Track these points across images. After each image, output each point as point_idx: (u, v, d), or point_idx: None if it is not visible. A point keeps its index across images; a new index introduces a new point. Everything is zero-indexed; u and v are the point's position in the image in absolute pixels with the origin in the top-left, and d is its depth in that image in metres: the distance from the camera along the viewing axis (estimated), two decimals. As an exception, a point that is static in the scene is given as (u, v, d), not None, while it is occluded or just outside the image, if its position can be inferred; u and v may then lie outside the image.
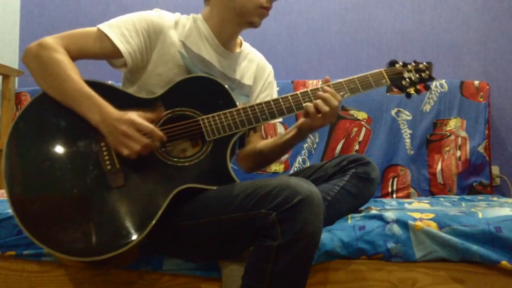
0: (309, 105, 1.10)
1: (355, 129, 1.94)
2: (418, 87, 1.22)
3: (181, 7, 1.21)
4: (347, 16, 2.19)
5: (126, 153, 0.99)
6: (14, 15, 2.32)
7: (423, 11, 2.15)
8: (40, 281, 1.18)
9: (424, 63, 1.23)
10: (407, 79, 1.20)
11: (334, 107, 1.09)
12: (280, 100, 1.12)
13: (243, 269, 0.96)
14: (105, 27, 1.10)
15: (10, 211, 1.21)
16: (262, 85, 1.34)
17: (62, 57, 1.05)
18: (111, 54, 1.12)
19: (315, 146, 1.94)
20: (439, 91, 1.94)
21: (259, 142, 1.34)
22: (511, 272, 1.03)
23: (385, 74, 1.19)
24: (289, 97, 1.12)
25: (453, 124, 1.92)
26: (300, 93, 1.13)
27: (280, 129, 1.95)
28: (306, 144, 1.94)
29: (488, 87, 1.95)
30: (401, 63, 1.22)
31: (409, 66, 1.22)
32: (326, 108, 1.09)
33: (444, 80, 1.96)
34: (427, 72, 1.22)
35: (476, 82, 1.95)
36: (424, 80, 1.22)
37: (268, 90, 1.35)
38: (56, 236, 0.94)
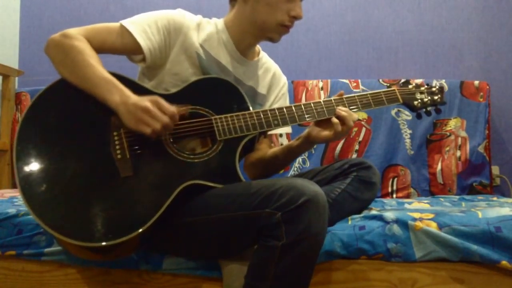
0: (336, 121, 1.12)
1: (355, 129, 1.94)
2: (429, 109, 1.25)
3: (179, 6, 1.21)
4: (347, 16, 2.19)
5: (146, 130, 0.98)
6: (14, 15, 2.32)
7: (423, 11, 2.15)
8: (40, 281, 1.18)
9: (437, 87, 1.27)
10: (419, 100, 1.23)
11: (349, 127, 1.12)
12: (293, 107, 1.14)
13: (244, 268, 0.96)
14: (128, 23, 1.12)
15: (10, 211, 1.22)
16: (276, 95, 1.35)
17: (84, 46, 1.07)
18: (132, 49, 1.13)
19: (315, 146, 1.94)
20: (439, 91, 1.94)
21: (267, 150, 1.34)
22: (511, 272, 1.03)
23: (398, 93, 1.21)
24: (302, 106, 1.15)
25: (453, 124, 1.92)
26: (313, 103, 1.15)
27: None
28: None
29: (488, 87, 1.95)
30: (414, 84, 1.25)
31: (422, 88, 1.25)
32: (339, 128, 1.12)
33: (444, 80, 1.96)
34: (439, 95, 1.25)
35: (476, 82, 1.95)
36: (436, 103, 1.26)
37: (282, 101, 1.36)
38: (62, 220, 0.95)
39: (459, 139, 1.90)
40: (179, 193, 1.00)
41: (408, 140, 1.92)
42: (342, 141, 1.93)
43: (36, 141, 1.02)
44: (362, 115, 1.95)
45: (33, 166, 0.99)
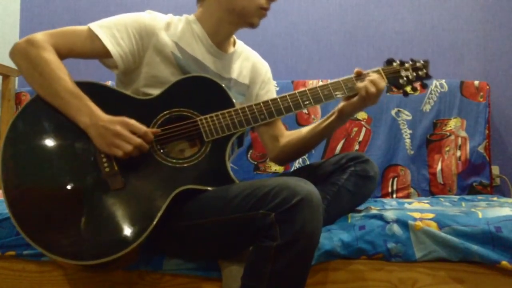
0: (360, 86, 1.12)
1: (355, 129, 1.94)
2: (416, 85, 1.22)
3: (179, 6, 1.21)
4: (347, 16, 2.18)
5: (119, 154, 0.98)
6: (14, 15, 2.32)
7: (423, 11, 2.15)
8: (40, 281, 1.18)
9: (421, 61, 1.23)
10: (405, 78, 1.20)
11: (381, 88, 1.12)
12: (279, 99, 1.12)
13: (243, 269, 0.96)
14: (96, 27, 1.09)
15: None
16: (260, 82, 1.33)
17: (51, 57, 1.04)
18: (101, 54, 1.11)
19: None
20: (439, 91, 1.94)
21: (292, 132, 1.33)
22: (511, 272, 1.03)
23: (382, 73, 1.19)
24: (287, 97, 1.13)
25: (453, 124, 1.92)
26: (298, 92, 1.14)
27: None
28: (306, 144, 1.94)
29: (488, 87, 1.95)
30: (398, 62, 1.22)
31: (406, 65, 1.22)
32: (373, 89, 1.11)
33: (444, 80, 1.96)
34: (425, 70, 1.22)
35: (476, 82, 1.95)
36: (422, 78, 1.22)
37: (268, 86, 1.34)
38: (54, 239, 0.94)
39: (459, 139, 1.90)
40: (173, 199, 0.99)
41: (408, 140, 1.92)
42: (342, 141, 1.93)
43: (21, 159, 1.00)
44: (362, 115, 1.95)
45: (21, 187, 0.98)
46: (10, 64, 2.16)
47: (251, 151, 1.94)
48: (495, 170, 1.99)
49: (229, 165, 1.07)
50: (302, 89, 1.15)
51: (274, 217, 0.89)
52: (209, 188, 1.03)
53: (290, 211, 0.88)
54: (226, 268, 1.04)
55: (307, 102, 1.13)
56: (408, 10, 2.15)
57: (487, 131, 1.90)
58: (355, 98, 1.14)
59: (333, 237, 1.09)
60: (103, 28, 1.09)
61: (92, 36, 1.09)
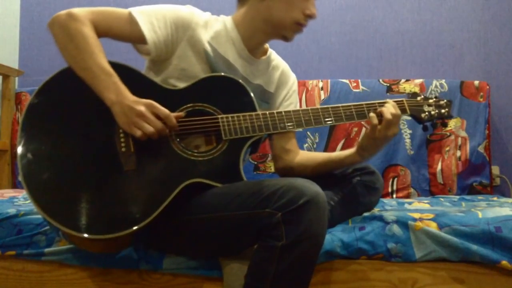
0: (372, 115, 1.11)
1: (355, 129, 1.94)
2: (437, 122, 1.23)
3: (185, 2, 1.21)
4: (347, 16, 2.19)
5: (138, 134, 0.99)
6: (14, 15, 2.32)
7: (423, 11, 2.15)
8: (40, 281, 1.18)
9: (445, 101, 1.24)
10: (427, 113, 1.21)
11: (397, 115, 1.10)
12: (301, 112, 1.13)
13: (244, 267, 0.96)
14: (136, 12, 1.11)
15: (10, 211, 1.22)
16: (285, 93, 1.33)
17: (90, 32, 1.05)
18: (137, 39, 1.12)
19: (315, 146, 1.94)
20: (439, 91, 1.94)
21: (306, 154, 1.31)
22: (511, 272, 1.03)
23: (406, 105, 1.19)
24: (309, 111, 1.14)
25: (453, 124, 1.92)
26: (321, 109, 1.15)
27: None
28: (306, 144, 1.94)
29: (488, 87, 1.95)
30: (422, 96, 1.23)
31: (430, 101, 1.23)
32: (389, 116, 1.09)
33: (444, 80, 1.96)
34: (447, 109, 1.23)
35: (476, 82, 1.96)
36: (443, 117, 1.23)
37: (291, 99, 1.34)
38: (64, 212, 0.95)
39: (459, 139, 1.91)
40: (181, 191, 1.00)
41: (408, 140, 1.92)
42: (342, 141, 1.93)
43: (39, 131, 1.01)
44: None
45: (36, 155, 0.98)
46: (10, 64, 2.18)
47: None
48: (495, 170, 1.99)
49: (242, 167, 1.08)
50: (325, 106, 1.16)
51: (281, 216, 0.89)
52: (219, 185, 1.03)
53: (297, 212, 0.88)
54: (227, 266, 1.04)
55: (329, 120, 1.14)
56: (408, 10, 2.15)
57: (487, 131, 1.90)
58: (372, 128, 1.12)
59: (333, 237, 1.09)
60: (143, 14, 1.11)
61: (131, 20, 1.10)
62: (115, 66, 1.05)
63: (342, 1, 2.19)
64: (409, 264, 1.07)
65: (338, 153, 1.23)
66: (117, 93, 1.01)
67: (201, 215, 1.01)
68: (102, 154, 1.01)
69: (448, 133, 1.91)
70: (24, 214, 1.21)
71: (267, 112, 1.12)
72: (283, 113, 1.13)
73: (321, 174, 1.25)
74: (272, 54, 1.33)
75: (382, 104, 1.14)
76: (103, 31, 1.09)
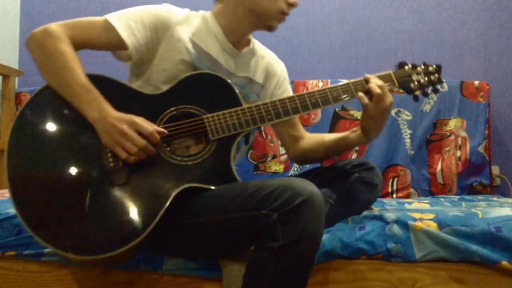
0: (361, 94, 1.10)
1: (355, 129, 1.94)
2: (427, 90, 1.20)
3: (182, 3, 1.21)
4: (347, 16, 2.19)
5: (122, 155, 0.98)
6: (14, 15, 2.32)
7: (423, 11, 2.15)
8: (40, 281, 1.18)
9: (434, 66, 1.21)
10: (416, 82, 1.18)
11: (384, 85, 1.09)
12: (287, 100, 1.11)
13: (243, 269, 0.96)
14: (112, 18, 1.09)
15: (10, 211, 1.22)
16: (276, 82, 1.32)
17: (66, 48, 1.04)
18: (116, 45, 1.11)
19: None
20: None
21: (313, 136, 1.31)
22: (511, 272, 1.03)
23: (393, 77, 1.17)
24: (296, 98, 1.12)
25: (453, 124, 1.92)
26: (307, 93, 1.12)
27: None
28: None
29: (488, 87, 1.95)
30: (410, 66, 1.20)
31: (418, 69, 1.20)
32: (378, 90, 1.08)
33: (444, 80, 1.96)
34: (437, 75, 1.20)
35: (476, 82, 1.95)
36: (433, 83, 1.20)
37: (284, 86, 1.33)
38: (57, 233, 0.94)
39: (459, 139, 1.90)
40: (175, 197, 0.99)
41: (408, 140, 1.92)
42: (342, 141, 1.92)
43: (27, 152, 1.00)
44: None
45: (26, 179, 0.98)
46: (10, 64, 2.18)
47: (251, 151, 1.94)
48: (495, 170, 1.99)
49: (234, 165, 1.07)
50: (311, 90, 1.14)
51: (277, 217, 0.89)
52: (213, 187, 1.03)
53: (293, 212, 0.88)
54: (227, 267, 1.04)
55: (315, 104, 1.12)
56: (408, 10, 2.15)
57: (487, 131, 1.90)
58: (364, 108, 1.11)
59: (333, 237, 1.09)
60: (119, 19, 1.09)
61: (108, 27, 1.09)
62: (93, 78, 1.04)
63: (342, 1, 2.19)
64: (409, 264, 1.07)
65: (345, 137, 1.22)
66: (99, 109, 1.00)
67: (199, 218, 1.00)
68: (92, 171, 1.00)
69: (448, 133, 1.91)
70: (24, 214, 1.21)
71: (253, 106, 1.10)
72: (269, 104, 1.10)
73: (331, 156, 1.29)
74: (256, 44, 1.31)
75: (367, 80, 1.12)
76: (81, 43, 1.08)
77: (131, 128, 0.98)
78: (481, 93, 1.94)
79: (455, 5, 2.13)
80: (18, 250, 1.17)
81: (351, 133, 1.22)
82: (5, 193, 1.68)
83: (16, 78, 2.19)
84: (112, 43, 1.10)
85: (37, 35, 1.05)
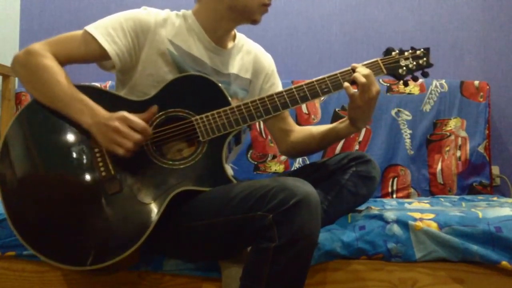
0: (346, 85, 1.10)
1: (355, 129, 1.94)
2: (416, 75, 1.19)
3: (179, 4, 1.21)
4: (347, 16, 2.18)
5: (119, 152, 0.98)
6: (14, 15, 2.32)
7: (423, 11, 2.15)
8: (40, 281, 1.18)
9: (422, 49, 1.19)
10: (404, 68, 1.17)
11: (369, 74, 1.09)
12: (275, 95, 1.11)
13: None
14: (91, 28, 1.09)
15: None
16: (264, 76, 1.31)
17: (50, 63, 1.05)
18: (99, 56, 1.10)
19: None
20: (439, 91, 1.94)
21: (303, 129, 1.31)
22: (511, 272, 1.03)
23: (381, 64, 1.16)
24: (284, 93, 1.11)
25: (453, 124, 1.92)
26: (295, 87, 1.12)
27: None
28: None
29: (488, 87, 1.95)
30: (397, 51, 1.18)
31: (406, 53, 1.18)
32: (363, 80, 1.08)
33: (444, 80, 1.96)
34: (425, 58, 1.18)
35: (476, 82, 1.95)
36: (422, 67, 1.18)
37: (272, 80, 1.32)
38: (52, 245, 0.94)
39: (459, 139, 1.90)
40: (170, 201, 0.99)
41: (408, 140, 1.92)
42: (342, 142, 1.92)
43: (17, 166, 1.00)
44: (362, 115, 1.95)
45: (18, 190, 0.98)
46: (10, 64, 2.17)
47: (251, 151, 1.94)
48: (495, 170, 1.99)
49: (226, 165, 1.07)
50: (299, 84, 1.13)
51: (272, 218, 0.88)
52: (207, 189, 1.02)
53: (288, 212, 0.88)
54: (226, 268, 1.04)
55: (304, 97, 1.11)
56: (408, 10, 2.15)
57: (487, 131, 1.90)
58: (350, 98, 1.11)
59: (333, 237, 1.09)
60: (98, 29, 1.09)
61: (88, 38, 1.08)
62: (80, 88, 1.05)
63: (342, 1, 2.19)
64: (409, 264, 1.07)
65: (333, 128, 1.22)
66: (92, 114, 1.01)
67: (195, 222, 1.00)
68: (85, 182, 1.00)
69: (448, 133, 1.91)
70: (24, 214, 1.21)
71: (242, 104, 1.09)
72: (258, 101, 1.10)
73: (322, 148, 1.30)
74: (242, 39, 1.30)
75: (354, 70, 1.12)
76: (64, 59, 1.09)
77: (124, 124, 0.98)
78: (481, 93, 1.94)
79: (455, 5, 2.12)
80: (18, 250, 1.17)
81: (339, 123, 1.22)
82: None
83: (16, 78, 2.19)
84: (95, 54, 1.10)
85: (20, 57, 1.07)
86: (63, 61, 1.09)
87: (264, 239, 0.90)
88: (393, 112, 1.94)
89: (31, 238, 0.94)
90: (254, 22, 1.19)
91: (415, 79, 1.19)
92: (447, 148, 1.90)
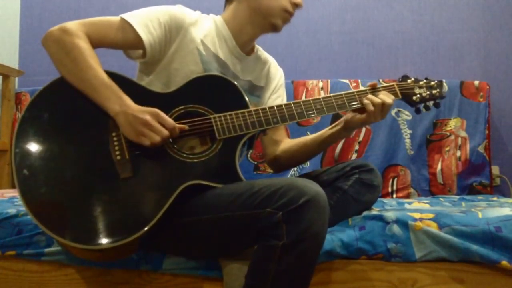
0: (367, 102, 1.14)
1: (355, 129, 1.94)
2: (428, 104, 1.24)
3: (183, 4, 1.22)
4: (347, 16, 2.19)
5: (146, 143, 1.00)
6: (14, 15, 2.32)
7: (423, 11, 2.15)
8: (40, 281, 1.18)
9: (436, 81, 1.25)
10: (418, 95, 1.22)
11: (388, 104, 1.14)
12: (292, 105, 1.14)
13: (244, 268, 0.96)
14: (129, 17, 1.12)
15: (10, 211, 1.22)
16: (274, 86, 1.36)
17: (84, 45, 1.06)
18: (132, 43, 1.12)
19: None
20: (439, 91, 1.94)
21: (289, 141, 1.35)
22: (511, 272, 1.03)
23: (397, 89, 1.21)
24: (301, 103, 1.14)
25: (453, 124, 1.92)
26: (312, 100, 1.15)
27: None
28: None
29: (488, 87, 1.95)
30: (413, 79, 1.24)
31: (421, 82, 1.24)
32: (371, 108, 1.13)
33: (444, 80, 1.96)
34: (438, 89, 1.24)
35: (476, 82, 1.96)
36: (435, 97, 1.24)
37: (279, 92, 1.37)
38: (62, 223, 0.95)
39: (459, 139, 1.91)
40: (180, 193, 1.00)
41: (408, 140, 1.92)
42: (342, 142, 1.93)
43: (34, 143, 1.01)
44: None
45: (32, 168, 0.98)
46: (10, 64, 2.18)
47: (251, 151, 1.94)
48: (495, 170, 1.99)
49: (238, 165, 1.08)
50: (316, 97, 1.17)
51: (281, 216, 0.89)
52: (217, 185, 1.03)
53: (297, 211, 0.88)
54: (227, 266, 1.04)
55: (320, 110, 1.15)
56: (408, 10, 2.15)
57: (487, 131, 1.90)
58: (365, 114, 1.16)
59: (333, 237, 1.09)
60: (136, 18, 1.12)
61: (125, 25, 1.11)
62: (109, 75, 1.06)
63: (342, 1, 2.19)
64: (409, 264, 1.07)
65: (323, 132, 1.27)
66: (120, 103, 1.02)
67: (202, 216, 1.01)
68: (98, 163, 1.01)
69: (448, 133, 1.91)
70: (24, 214, 1.21)
71: (259, 108, 1.12)
72: (275, 107, 1.13)
73: (311, 156, 1.32)
74: (259, 50, 1.36)
75: (374, 90, 1.17)
76: (97, 42, 1.10)
77: (154, 119, 1.00)
78: (481, 93, 1.94)
79: (455, 5, 2.12)
80: (18, 250, 1.18)
81: (330, 129, 1.26)
82: (5, 193, 1.68)
83: (16, 78, 2.19)
84: (128, 42, 1.12)
85: (54, 33, 1.07)
86: (95, 44, 1.10)
87: (271, 236, 0.90)
88: (393, 112, 1.94)
89: (41, 214, 0.94)
90: (275, 27, 1.23)
91: (427, 107, 1.25)
92: (447, 148, 1.90)
